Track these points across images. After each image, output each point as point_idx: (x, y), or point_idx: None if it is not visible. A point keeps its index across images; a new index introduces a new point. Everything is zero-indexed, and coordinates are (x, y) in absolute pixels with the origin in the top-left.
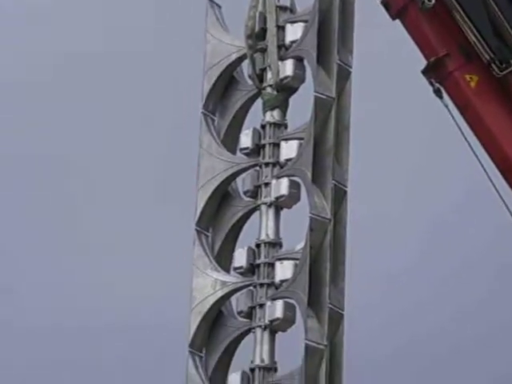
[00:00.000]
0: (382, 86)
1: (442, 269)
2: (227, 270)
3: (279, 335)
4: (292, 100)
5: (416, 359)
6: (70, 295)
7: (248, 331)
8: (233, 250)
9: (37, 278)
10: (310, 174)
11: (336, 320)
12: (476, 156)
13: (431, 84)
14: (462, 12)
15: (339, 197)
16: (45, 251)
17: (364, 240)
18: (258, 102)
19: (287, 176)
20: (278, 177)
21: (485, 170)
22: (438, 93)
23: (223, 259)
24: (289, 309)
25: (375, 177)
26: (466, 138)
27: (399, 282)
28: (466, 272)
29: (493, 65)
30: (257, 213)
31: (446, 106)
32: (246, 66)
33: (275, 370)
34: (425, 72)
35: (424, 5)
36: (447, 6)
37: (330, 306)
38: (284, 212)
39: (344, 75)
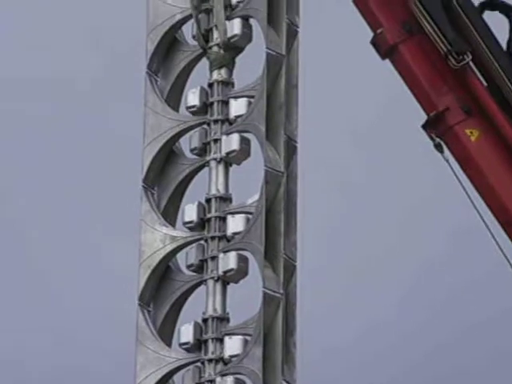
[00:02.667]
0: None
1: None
2: (173, 227)
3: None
4: (237, 59)
5: None
6: None
7: (198, 285)
8: (178, 207)
9: None
10: (263, 129)
11: (289, 270)
12: (476, 209)
13: (431, 138)
14: (419, 5)
15: (290, 152)
16: None
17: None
18: (201, 63)
19: (238, 132)
20: (228, 133)
21: (485, 223)
22: (438, 147)
23: (169, 216)
24: (242, 260)
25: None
26: (466, 192)
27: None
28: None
29: (449, 57)
30: (204, 170)
31: (447, 161)
32: (188, 27)
33: (228, 320)
34: (425, 126)
35: None
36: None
37: (285, 256)
38: (232, 169)
39: (292, 34)
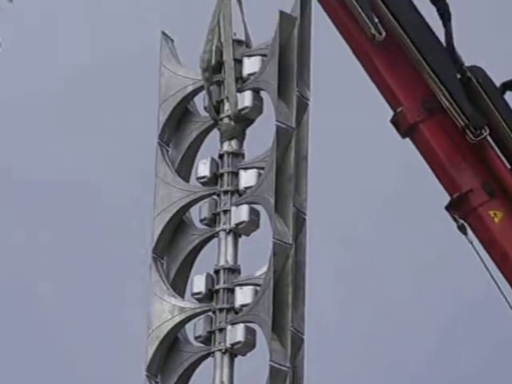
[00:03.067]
0: None
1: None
2: (182, 297)
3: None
4: (248, 131)
5: None
6: None
7: (205, 356)
8: (187, 278)
9: None
10: (272, 201)
11: (297, 343)
12: (501, 292)
13: (455, 220)
14: (433, 75)
15: (299, 224)
16: None
17: None
18: (212, 134)
19: (247, 203)
20: (238, 204)
21: (508, 303)
22: (462, 229)
23: (178, 286)
24: (250, 333)
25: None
26: (491, 274)
27: None
28: None
29: (467, 131)
30: (213, 241)
31: (471, 243)
32: (200, 98)
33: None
34: (448, 208)
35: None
36: None
37: (292, 329)
38: (241, 240)
39: (302, 107)
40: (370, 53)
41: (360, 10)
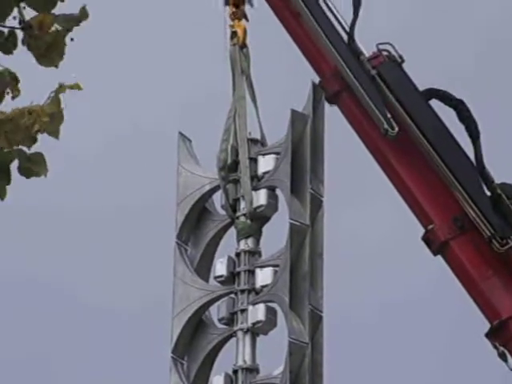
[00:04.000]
0: None
1: None
2: None
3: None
4: (264, 229)
5: None
6: None
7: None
8: (208, 378)
9: None
10: (287, 299)
11: None
12: None
13: (495, 347)
14: (460, 188)
15: (315, 322)
16: None
17: None
18: (230, 231)
19: (264, 302)
20: (254, 303)
21: None
22: (502, 356)
23: None
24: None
25: None
26: None
27: None
28: None
29: (493, 240)
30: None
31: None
32: (217, 197)
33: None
34: (488, 335)
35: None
36: None
37: None
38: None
39: (316, 204)
40: (384, 149)
41: (373, 105)
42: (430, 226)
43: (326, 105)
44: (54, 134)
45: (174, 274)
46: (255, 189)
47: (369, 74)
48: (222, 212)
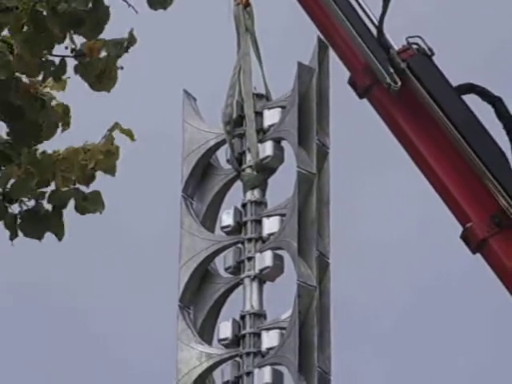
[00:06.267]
0: None
1: None
2: (210, 344)
3: None
4: (270, 180)
5: None
6: None
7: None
8: (215, 325)
9: None
10: (295, 244)
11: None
12: None
13: None
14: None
15: (323, 268)
16: None
17: None
18: (236, 186)
19: (271, 249)
20: (262, 250)
21: None
22: None
23: (205, 333)
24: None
25: None
26: None
27: None
28: None
29: None
30: (239, 289)
31: None
32: (222, 153)
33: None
34: None
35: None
36: None
37: (319, 369)
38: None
39: (322, 155)
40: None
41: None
42: (468, 224)
43: (332, 60)
44: (111, 171)
45: (181, 225)
46: (261, 141)
47: (399, 68)
48: (227, 167)
